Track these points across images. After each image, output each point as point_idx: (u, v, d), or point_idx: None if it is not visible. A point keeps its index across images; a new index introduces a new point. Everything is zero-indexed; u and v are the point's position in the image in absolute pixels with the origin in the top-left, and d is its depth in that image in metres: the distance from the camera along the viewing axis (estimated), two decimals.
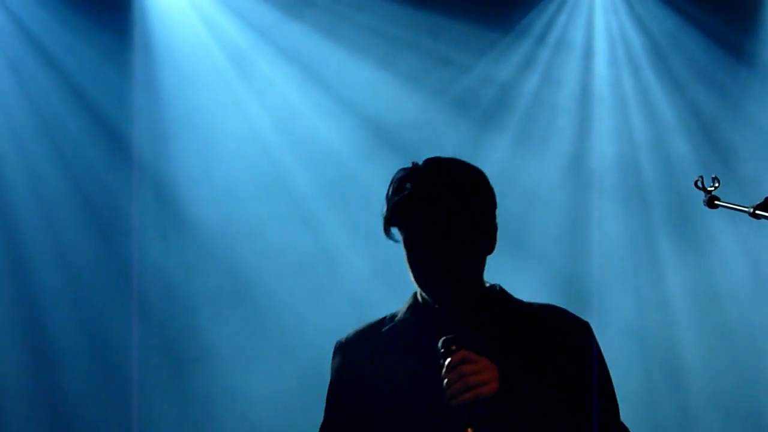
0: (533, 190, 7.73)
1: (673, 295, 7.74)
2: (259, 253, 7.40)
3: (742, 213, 3.44)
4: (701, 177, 3.54)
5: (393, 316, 3.01)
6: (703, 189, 3.53)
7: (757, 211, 3.39)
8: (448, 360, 2.71)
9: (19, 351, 7.24)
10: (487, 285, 2.97)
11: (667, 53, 7.79)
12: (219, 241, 7.41)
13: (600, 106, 7.81)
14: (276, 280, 7.43)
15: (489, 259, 2.94)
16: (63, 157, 7.24)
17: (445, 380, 2.70)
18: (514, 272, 7.27)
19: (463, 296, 2.86)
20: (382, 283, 7.13)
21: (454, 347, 2.72)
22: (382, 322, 3.00)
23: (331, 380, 3.03)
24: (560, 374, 2.83)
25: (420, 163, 2.89)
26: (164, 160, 7.40)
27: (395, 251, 4.08)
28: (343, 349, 3.02)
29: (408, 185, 2.83)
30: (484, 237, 2.86)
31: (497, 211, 2.93)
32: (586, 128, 7.79)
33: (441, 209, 2.79)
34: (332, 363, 3.04)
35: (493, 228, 2.90)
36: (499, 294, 2.97)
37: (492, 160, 7.68)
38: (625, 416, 2.95)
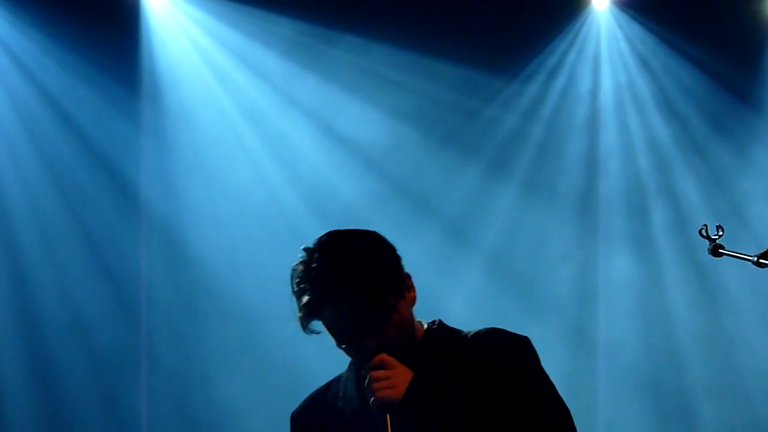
0: (541, 234, 7.73)
1: (683, 341, 7.72)
2: (267, 299, 7.40)
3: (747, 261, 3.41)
4: (705, 225, 3.50)
5: (339, 377, 3.11)
6: (708, 237, 3.49)
7: (761, 260, 3.35)
8: (368, 364, 2.86)
9: (27, 400, 7.25)
10: (425, 326, 3.04)
11: (673, 97, 7.81)
12: (227, 287, 7.42)
13: (607, 150, 7.81)
14: (285, 326, 7.42)
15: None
16: (72, 205, 7.27)
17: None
18: (521, 317, 7.26)
19: (396, 354, 2.93)
20: None
21: (378, 353, 2.86)
22: (329, 385, 3.12)
23: None
24: (495, 384, 2.89)
25: (312, 246, 2.97)
26: (172, 208, 7.42)
27: None
28: (297, 420, 3.12)
29: (305, 286, 2.93)
30: (394, 295, 2.93)
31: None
32: (593, 172, 7.80)
33: (342, 300, 2.88)
34: None
35: (400, 281, 2.96)
36: (436, 330, 3.03)
37: (500, 204, 7.69)
38: None
